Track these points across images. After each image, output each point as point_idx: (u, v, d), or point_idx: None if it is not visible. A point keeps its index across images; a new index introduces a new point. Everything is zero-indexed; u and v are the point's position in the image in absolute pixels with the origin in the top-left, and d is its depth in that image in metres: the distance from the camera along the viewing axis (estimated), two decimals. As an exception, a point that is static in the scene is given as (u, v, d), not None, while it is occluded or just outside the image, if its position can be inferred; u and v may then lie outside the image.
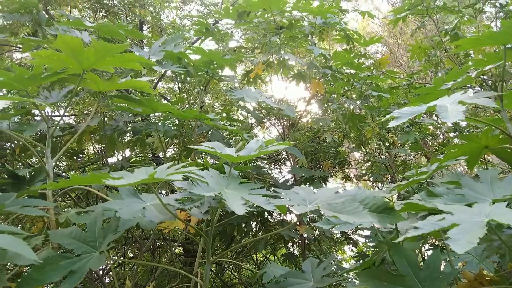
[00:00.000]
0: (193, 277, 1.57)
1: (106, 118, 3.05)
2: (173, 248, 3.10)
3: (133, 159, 3.56)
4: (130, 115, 2.78)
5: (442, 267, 1.29)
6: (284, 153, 4.75)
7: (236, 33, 4.57)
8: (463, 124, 4.26)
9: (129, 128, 2.89)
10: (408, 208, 1.30)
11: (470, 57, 3.78)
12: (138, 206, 1.55)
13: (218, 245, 4.40)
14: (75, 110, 3.59)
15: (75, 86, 1.86)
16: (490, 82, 3.44)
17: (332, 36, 3.76)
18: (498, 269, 1.78)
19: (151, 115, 2.88)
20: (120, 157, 3.40)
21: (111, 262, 3.73)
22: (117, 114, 2.89)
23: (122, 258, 4.02)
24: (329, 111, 4.47)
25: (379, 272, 1.30)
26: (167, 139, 2.89)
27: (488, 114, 4.05)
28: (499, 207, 1.08)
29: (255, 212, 3.39)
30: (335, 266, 2.07)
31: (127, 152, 3.60)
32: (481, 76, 3.64)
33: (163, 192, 3.95)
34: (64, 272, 1.33)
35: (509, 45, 1.63)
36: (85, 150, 3.85)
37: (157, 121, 3.09)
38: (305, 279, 1.57)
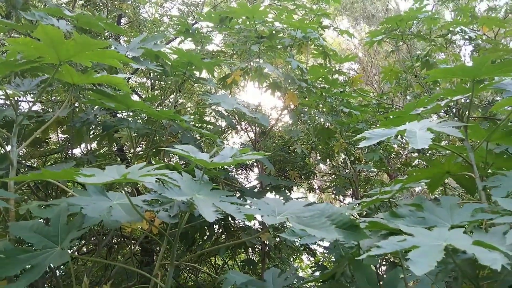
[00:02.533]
0: (154, 278, 1.55)
1: (75, 110, 2.97)
2: (133, 247, 3.04)
3: (98, 152, 3.47)
4: (101, 109, 2.72)
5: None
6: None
7: (216, 36, 4.57)
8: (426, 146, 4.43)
9: (99, 122, 2.82)
10: (372, 227, 1.35)
11: (438, 84, 3.96)
12: (104, 205, 1.52)
13: (178, 246, 4.36)
14: (42, 98, 3.46)
15: (49, 77, 1.81)
16: (454, 109, 3.63)
17: (310, 50, 3.84)
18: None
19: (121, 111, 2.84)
20: (83, 149, 3.32)
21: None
22: (88, 107, 2.82)
23: (76, 253, 3.90)
24: (301, 122, 4.56)
25: (337, 286, 1.34)
26: (137, 137, 2.85)
27: (450, 139, 4.26)
28: (456, 232, 1.14)
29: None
30: (295, 277, 2.11)
31: (92, 144, 3.51)
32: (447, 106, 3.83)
33: (127, 189, 3.88)
34: (23, 266, 1.29)
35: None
36: (48, 139, 3.72)
37: (126, 117, 3.04)
38: (266, 289, 1.59)
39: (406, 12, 3.55)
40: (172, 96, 3.66)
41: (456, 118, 3.56)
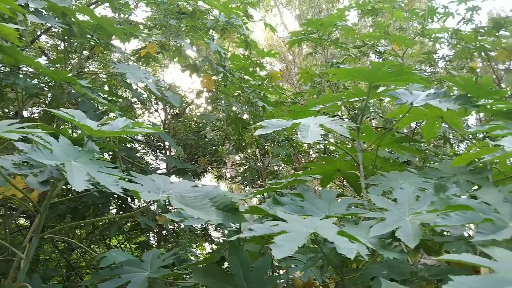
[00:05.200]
0: (15, 249, 1.40)
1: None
2: (9, 219, 2.77)
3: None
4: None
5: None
6: (165, 141, 4.65)
7: (140, 8, 4.31)
8: (333, 148, 4.69)
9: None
10: (252, 211, 1.37)
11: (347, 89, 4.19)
12: (-39, 162, 1.33)
13: (70, 223, 4.08)
14: None
15: None
16: (359, 118, 3.86)
17: (233, 39, 3.81)
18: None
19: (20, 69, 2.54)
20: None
21: None
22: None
23: None
24: (217, 109, 4.52)
25: (213, 269, 1.33)
26: (27, 97, 2.57)
27: (354, 143, 4.52)
28: (326, 222, 1.19)
29: (116, 195, 3.22)
30: (175, 259, 2.08)
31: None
32: (354, 111, 4.09)
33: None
34: None
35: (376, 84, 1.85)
36: None
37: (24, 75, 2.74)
38: (142, 269, 1.53)
39: (327, 18, 3.69)
40: (84, 62, 3.38)
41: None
